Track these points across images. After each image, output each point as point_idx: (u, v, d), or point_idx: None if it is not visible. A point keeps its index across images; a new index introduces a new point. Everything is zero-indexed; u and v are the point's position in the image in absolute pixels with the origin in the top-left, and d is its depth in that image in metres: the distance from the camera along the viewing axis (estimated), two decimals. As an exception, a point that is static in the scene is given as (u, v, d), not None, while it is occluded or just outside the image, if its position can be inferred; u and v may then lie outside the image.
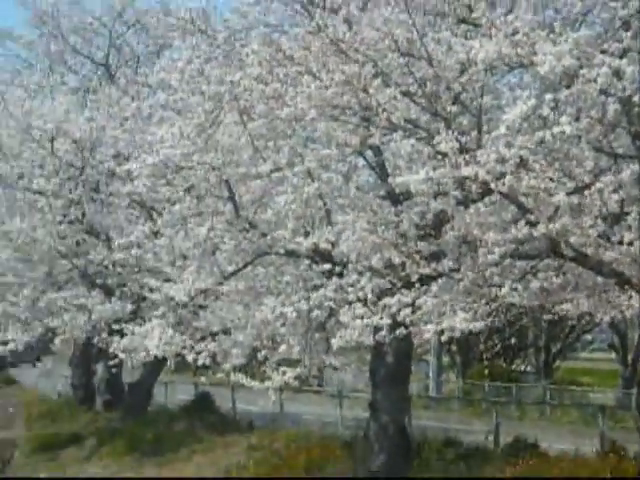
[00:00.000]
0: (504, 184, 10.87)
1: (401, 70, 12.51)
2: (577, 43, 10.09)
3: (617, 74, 10.09)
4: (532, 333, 43.22)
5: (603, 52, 10.47)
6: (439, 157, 11.58)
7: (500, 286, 12.85)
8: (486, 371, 41.57)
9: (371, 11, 13.58)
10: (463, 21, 13.15)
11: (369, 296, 13.43)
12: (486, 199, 12.26)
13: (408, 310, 13.05)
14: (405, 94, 12.36)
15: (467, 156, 11.08)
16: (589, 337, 48.56)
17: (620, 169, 11.44)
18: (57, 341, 24.64)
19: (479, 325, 12.94)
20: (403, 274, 13.29)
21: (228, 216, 14.70)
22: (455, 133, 11.50)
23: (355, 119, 12.95)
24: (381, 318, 13.19)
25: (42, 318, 24.27)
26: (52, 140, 24.11)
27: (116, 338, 18.31)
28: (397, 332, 13.45)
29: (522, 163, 10.79)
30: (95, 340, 23.42)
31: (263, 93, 13.13)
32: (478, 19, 11.91)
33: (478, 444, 20.37)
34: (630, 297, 13.21)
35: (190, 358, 16.02)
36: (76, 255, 24.10)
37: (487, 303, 13.43)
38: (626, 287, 12.72)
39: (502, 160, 10.71)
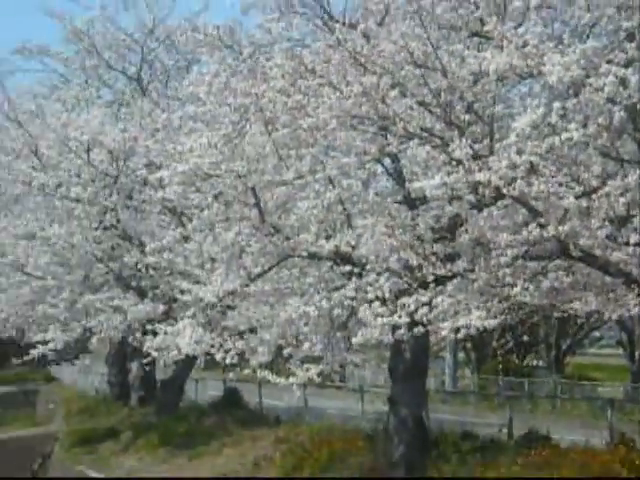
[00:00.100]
0: (515, 189, 10.84)
1: (417, 81, 12.49)
2: (584, 54, 10.06)
3: (623, 83, 10.05)
4: (543, 330, 43.02)
5: (609, 62, 10.41)
6: (453, 163, 11.54)
7: (512, 286, 12.80)
8: (500, 367, 41.45)
9: (388, 25, 13.56)
10: (475, 34, 13.11)
11: (387, 295, 13.40)
12: (498, 203, 12.21)
13: (425, 309, 13.02)
14: (421, 104, 12.35)
15: (480, 162, 11.06)
16: (598, 334, 48.32)
17: (626, 174, 11.37)
18: (94, 340, 24.68)
19: (493, 323, 12.88)
20: (420, 275, 13.27)
21: (254, 221, 14.68)
22: (468, 141, 11.48)
23: (373, 128, 12.94)
24: (400, 317, 13.17)
25: (80, 319, 24.34)
26: (88, 150, 24.19)
27: (149, 337, 18.33)
28: (415, 330, 13.42)
29: (532, 169, 10.76)
30: (130, 339, 23.52)
31: (286, 104, 13.13)
32: (490, 32, 11.86)
33: (493, 436, 20.26)
34: (637, 295, 13.10)
35: (219, 356, 16.02)
36: (111, 259, 24.16)
37: (500, 302, 13.38)
38: (633, 286, 12.64)
39: (513, 166, 10.68)
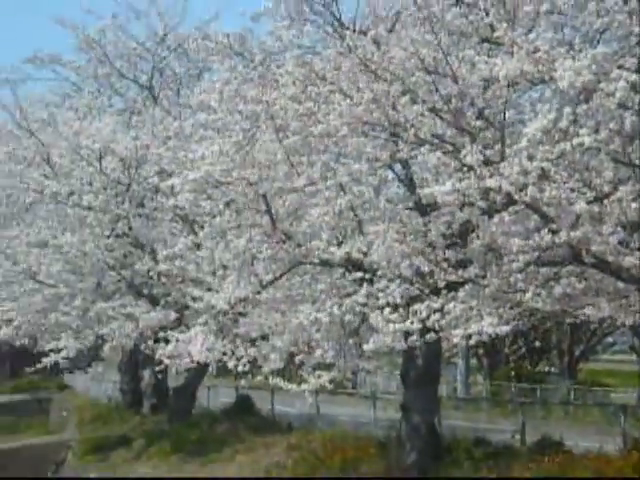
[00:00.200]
0: (527, 194, 10.81)
1: (427, 87, 12.48)
2: (595, 59, 10.02)
3: (634, 88, 10.02)
4: (556, 336, 42.92)
5: (620, 67, 10.38)
6: (464, 169, 11.53)
7: (524, 292, 12.77)
8: (512, 373, 41.35)
9: (399, 32, 13.57)
10: (486, 40, 13.08)
11: (398, 301, 13.39)
12: (510, 209, 12.17)
13: (437, 315, 12.99)
14: (431, 110, 12.33)
15: (491, 168, 11.04)
16: (610, 340, 48.17)
17: (638, 179, 11.33)
18: (106, 348, 24.70)
19: (505, 329, 12.84)
20: (431, 281, 13.24)
21: (265, 228, 14.69)
22: (479, 147, 11.46)
23: (384, 135, 12.94)
24: (412, 323, 13.14)
25: (92, 326, 24.38)
26: (100, 159, 24.27)
27: (161, 345, 18.33)
28: (427, 337, 13.40)
29: (544, 174, 10.73)
30: (142, 347, 23.50)
31: (297, 111, 13.13)
32: (500, 38, 11.83)
33: (505, 443, 20.19)
34: (650, 301, 13.07)
35: (231, 364, 16.02)
36: (123, 267, 24.20)
37: (512, 308, 13.35)
38: (645, 291, 12.60)
39: (524, 172, 10.66)
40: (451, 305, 12.95)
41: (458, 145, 11.98)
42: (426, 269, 13.24)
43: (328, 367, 15.07)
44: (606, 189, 11.33)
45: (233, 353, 16.00)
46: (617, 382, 42.12)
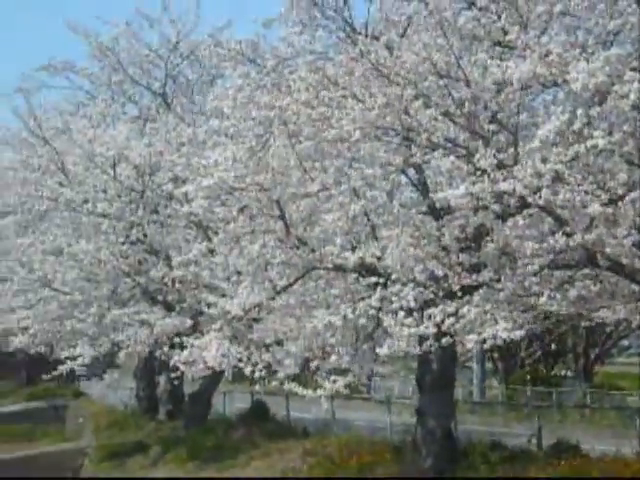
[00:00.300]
0: (541, 197, 10.79)
1: (440, 92, 12.48)
2: (608, 61, 9.99)
3: (648, 90, 9.98)
4: (571, 339, 42.73)
5: (633, 69, 10.35)
6: (478, 173, 11.51)
7: (539, 295, 12.73)
8: (527, 376, 41.14)
9: (411, 37, 13.57)
10: (498, 44, 13.06)
11: (412, 305, 13.36)
12: (524, 212, 12.15)
13: (452, 319, 12.96)
14: (445, 114, 12.32)
15: (505, 172, 11.02)
16: (626, 342, 47.95)
17: (653, 181, 11.29)
18: (122, 355, 24.71)
19: (519, 334, 12.80)
20: (446, 285, 13.21)
21: (279, 234, 14.69)
22: (493, 150, 11.44)
23: (397, 139, 12.92)
24: (427, 327, 13.12)
25: (108, 333, 24.41)
26: (114, 166, 24.33)
27: (177, 351, 18.31)
28: (442, 341, 13.37)
29: (558, 177, 10.70)
30: (157, 353, 23.50)
31: (310, 117, 13.13)
32: (512, 41, 11.84)
33: (522, 447, 20.11)
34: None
35: (247, 369, 16.01)
36: (138, 273, 24.22)
37: (526, 311, 13.31)
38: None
39: (538, 174, 10.63)
40: (465, 309, 12.93)
41: (471, 149, 11.96)
42: (440, 273, 13.23)
43: (343, 372, 15.05)
44: (620, 191, 11.29)
45: (249, 359, 15.99)
46: (633, 385, 41.89)
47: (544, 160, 10.62)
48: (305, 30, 16.53)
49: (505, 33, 12.31)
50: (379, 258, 14.04)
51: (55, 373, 25.33)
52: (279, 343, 15.95)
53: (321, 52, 16.60)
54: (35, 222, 27.08)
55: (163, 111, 28.65)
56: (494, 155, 11.35)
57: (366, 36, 14.49)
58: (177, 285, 22.44)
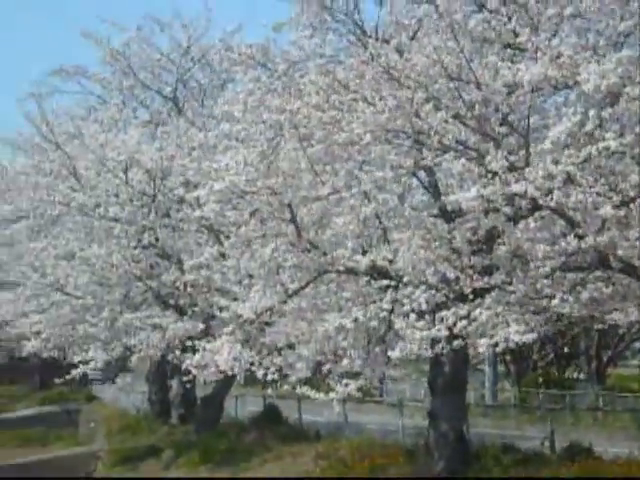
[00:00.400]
0: (552, 199, 10.76)
1: (451, 94, 12.46)
2: (620, 62, 9.96)
3: (659, 91, 9.94)
4: (584, 342, 42.60)
5: (644, 71, 10.31)
6: (489, 176, 11.49)
7: (551, 297, 12.69)
8: (540, 379, 41.07)
9: (421, 39, 13.55)
10: (509, 46, 13.05)
11: (424, 307, 13.34)
12: (535, 214, 12.12)
13: (464, 322, 12.93)
14: (455, 117, 12.30)
15: (516, 174, 10.99)
16: (638, 345, 47.78)
17: (665, 183, 11.24)
18: (134, 359, 24.71)
19: (531, 337, 12.76)
20: (457, 288, 13.19)
21: (290, 237, 14.68)
22: (504, 152, 11.41)
23: (408, 142, 12.91)
24: (438, 330, 13.09)
25: (120, 337, 24.44)
26: (126, 170, 24.35)
27: (189, 355, 18.32)
28: (454, 344, 13.34)
29: (569, 179, 10.66)
30: (169, 357, 23.52)
31: (321, 120, 13.12)
32: (523, 43, 11.82)
33: (535, 450, 20.07)
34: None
35: (260, 373, 16.00)
36: (150, 277, 24.24)
37: (538, 314, 13.27)
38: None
39: (550, 176, 10.60)
40: (477, 312, 12.90)
41: (482, 151, 11.94)
42: (452, 276, 13.21)
43: (355, 375, 15.03)
44: (632, 193, 11.25)
45: (260, 363, 15.98)
46: (646, 387, 41.75)
47: (556, 162, 10.59)
48: (315, 34, 16.55)
49: (516, 35, 12.30)
50: (390, 261, 14.02)
51: (68, 377, 25.35)
52: (291, 347, 15.94)
53: (331, 55, 16.62)
54: (47, 226, 27.12)
55: (174, 115, 28.70)
56: (505, 157, 11.33)
57: (376, 39, 14.49)
58: (189, 289, 22.44)
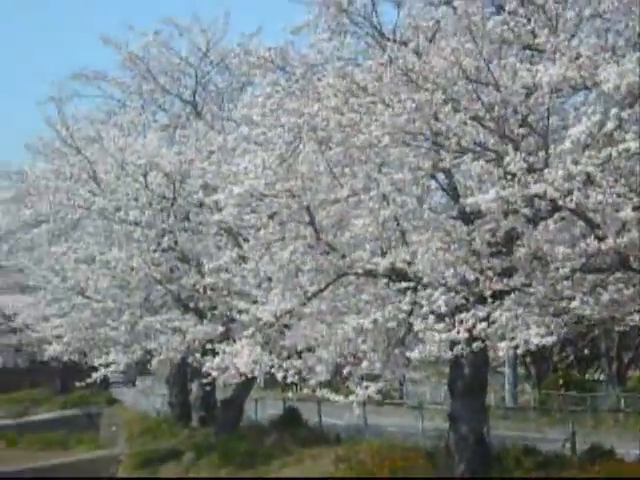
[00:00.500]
0: (572, 200, 10.71)
1: (469, 96, 12.43)
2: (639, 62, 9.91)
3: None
4: (604, 343, 42.39)
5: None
6: (508, 177, 11.45)
7: (571, 299, 12.63)
8: (560, 381, 40.87)
9: (439, 42, 13.51)
10: (527, 47, 13.01)
11: (443, 309, 13.30)
12: (555, 216, 12.07)
13: (484, 324, 12.89)
14: (474, 119, 12.28)
15: (535, 175, 10.95)
16: (660, 346, 47.47)
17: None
18: (155, 362, 24.78)
19: (551, 340, 12.72)
20: (477, 290, 13.15)
21: (309, 240, 14.67)
22: (523, 154, 11.38)
23: (427, 144, 12.89)
24: (458, 332, 13.06)
25: (140, 341, 24.51)
26: (145, 174, 24.43)
27: (209, 358, 18.33)
28: (474, 346, 13.30)
29: (589, 180, 10.62)
30: (189, 360, 23.55)
31: (339, 123, 13.12)
32: (542, 45, 11.77)
33: (556, 452, 19.99)
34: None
35: (280, 376, 16.01)
36: (170, 281, 24.29)
37: (558, 316, 13.21)
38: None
39: (569, 177, 10.56)
40: (497, 314, 12.85)
41: (501, 153, 11.90)
42: (471, 278, 13.17)
43: (375, 378, 15.01)
44: (652, 194, 11.19)
45: (280, 365, 15.98)
46: (667, 389, 41.50)
47: (575, 162, 10.55)
48: (334, 36, 16.53)
49: (534, 36, 12.26)
50: (409, 263, 13.99)
51: (89, 381, 25.45)
52: (310, 349, 15.92)
53: (350, 58, 16.61)
54: (68, 230, 27.27)
55: (193, 119, 28.79)
56: (524, 159, 11.29)
57: (394, 42, 14.46)
58: (209, 292, 22.47)
